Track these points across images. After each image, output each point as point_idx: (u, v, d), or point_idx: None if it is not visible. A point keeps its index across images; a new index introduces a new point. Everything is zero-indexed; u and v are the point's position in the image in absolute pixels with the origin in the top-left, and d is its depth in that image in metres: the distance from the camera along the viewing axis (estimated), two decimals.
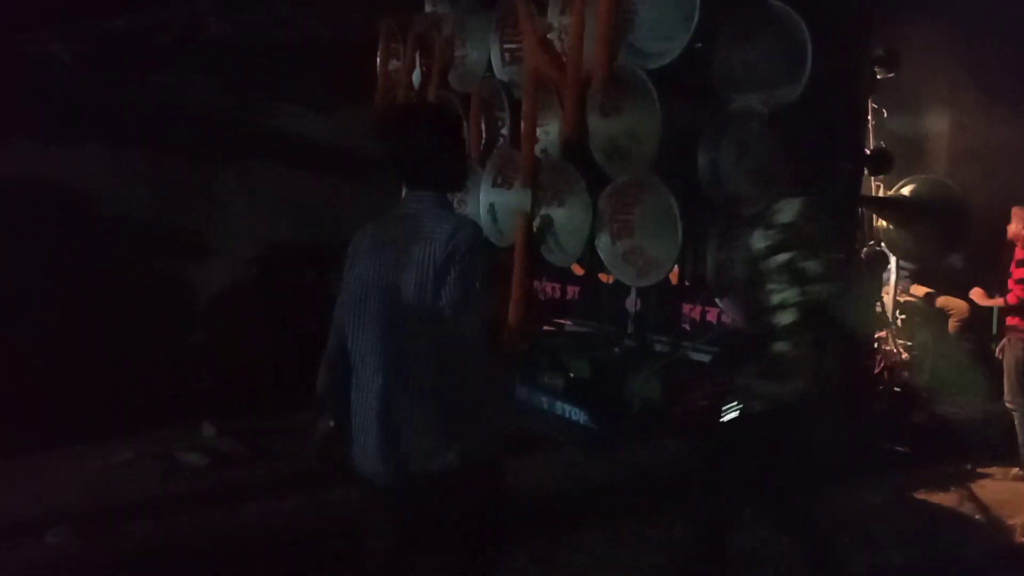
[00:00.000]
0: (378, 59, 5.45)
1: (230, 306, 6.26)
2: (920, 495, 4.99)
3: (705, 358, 4.45)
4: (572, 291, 5.39)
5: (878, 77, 4.57)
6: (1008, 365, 5.46)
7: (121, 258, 6.00)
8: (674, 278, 4.49)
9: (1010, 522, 4.69)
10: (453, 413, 2.35)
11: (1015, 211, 5.51)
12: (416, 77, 5.22)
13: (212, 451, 5.18)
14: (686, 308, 4.59)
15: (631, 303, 4.95)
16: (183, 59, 5.83)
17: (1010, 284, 5.45)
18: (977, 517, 4.80)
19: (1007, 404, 5.47)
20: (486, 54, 4.74)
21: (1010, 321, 5.48)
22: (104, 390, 5.41)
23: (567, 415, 4.85)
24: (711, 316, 4.46)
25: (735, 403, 2.85)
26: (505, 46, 4.62)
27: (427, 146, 2.47)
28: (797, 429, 2.92)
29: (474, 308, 2.36)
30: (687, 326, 4.60)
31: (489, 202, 4.74)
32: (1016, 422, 5.42)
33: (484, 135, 4.79)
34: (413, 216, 2.44)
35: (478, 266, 2.37)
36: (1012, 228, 5.51)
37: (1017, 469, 5.40)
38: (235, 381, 5.15)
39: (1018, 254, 5.44)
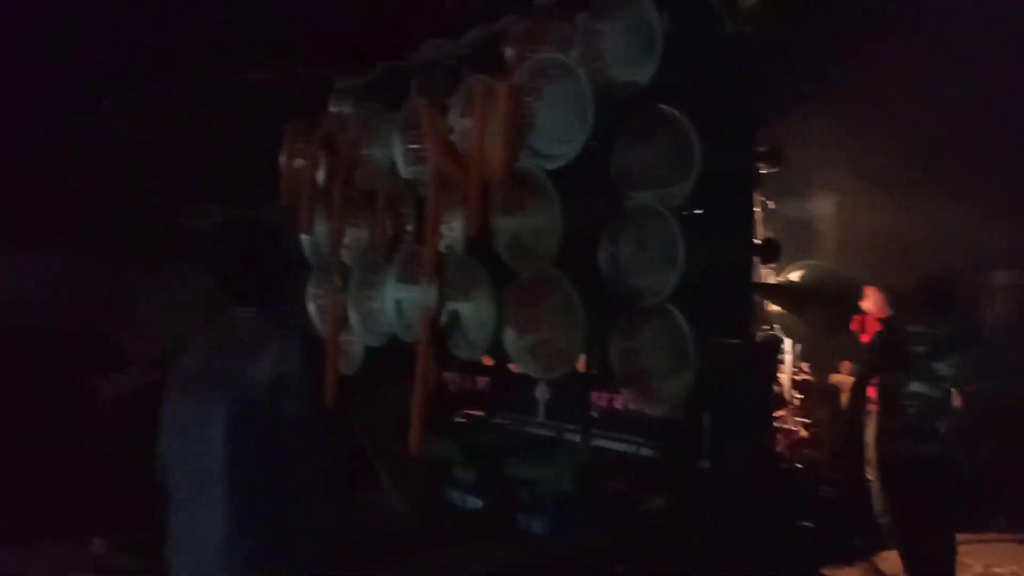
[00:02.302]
0: (282, 159, 5.45)
1: (126, 413, 5.98)
2: (827, 570, 5.10)
3: (617, 446, 4.50)
4: (481, 382, 5.39)
5: (762, 172, 4.87)
6: (868, 438, 5.64)
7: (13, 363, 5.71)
8: (581, 367, 4.56)
9: None
10: (268, 550, 2.31)
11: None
12: (320, 175, 5.25)
13: (104, 569, 4.89)
14: (594, 396, 4.66)
15: (540, 392, 4.99)
16: (95, 162, 5.74)
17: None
18: None
19: (868, 478, 5.64)
20: (390, 154, 4.82)
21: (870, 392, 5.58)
22: None
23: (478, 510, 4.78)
24: (618, 404, 4.53)
25: None
26: (409, 146, 4.72)
27: (243, 262, 2.46)
28: None
29: (317, 437, 2.35)
30: (595, 414, 4.66)
31: (396, 298, 4.74)
32: (873, 495, 5.61)
33: (390, 232, 4.82)
34: (236, 338, 2.37)
35: (312, 390, 2.34)
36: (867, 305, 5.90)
37: None
38: (127, 493, 4.89)
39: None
